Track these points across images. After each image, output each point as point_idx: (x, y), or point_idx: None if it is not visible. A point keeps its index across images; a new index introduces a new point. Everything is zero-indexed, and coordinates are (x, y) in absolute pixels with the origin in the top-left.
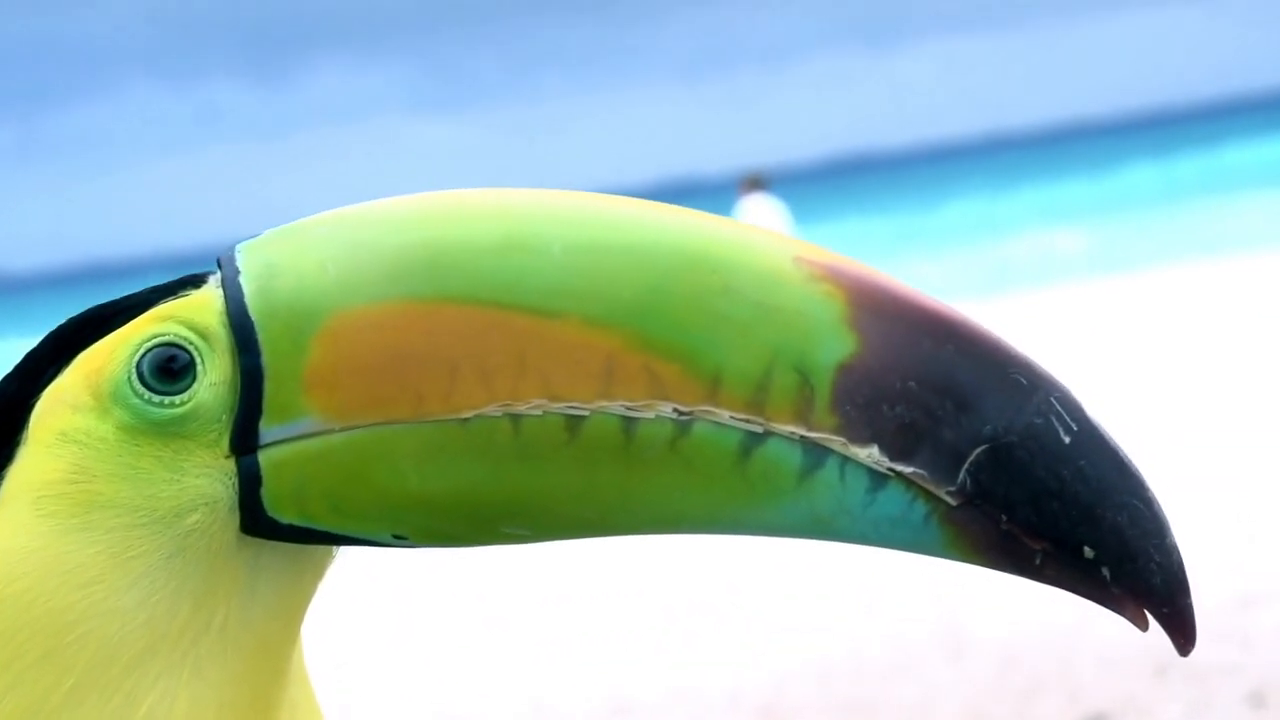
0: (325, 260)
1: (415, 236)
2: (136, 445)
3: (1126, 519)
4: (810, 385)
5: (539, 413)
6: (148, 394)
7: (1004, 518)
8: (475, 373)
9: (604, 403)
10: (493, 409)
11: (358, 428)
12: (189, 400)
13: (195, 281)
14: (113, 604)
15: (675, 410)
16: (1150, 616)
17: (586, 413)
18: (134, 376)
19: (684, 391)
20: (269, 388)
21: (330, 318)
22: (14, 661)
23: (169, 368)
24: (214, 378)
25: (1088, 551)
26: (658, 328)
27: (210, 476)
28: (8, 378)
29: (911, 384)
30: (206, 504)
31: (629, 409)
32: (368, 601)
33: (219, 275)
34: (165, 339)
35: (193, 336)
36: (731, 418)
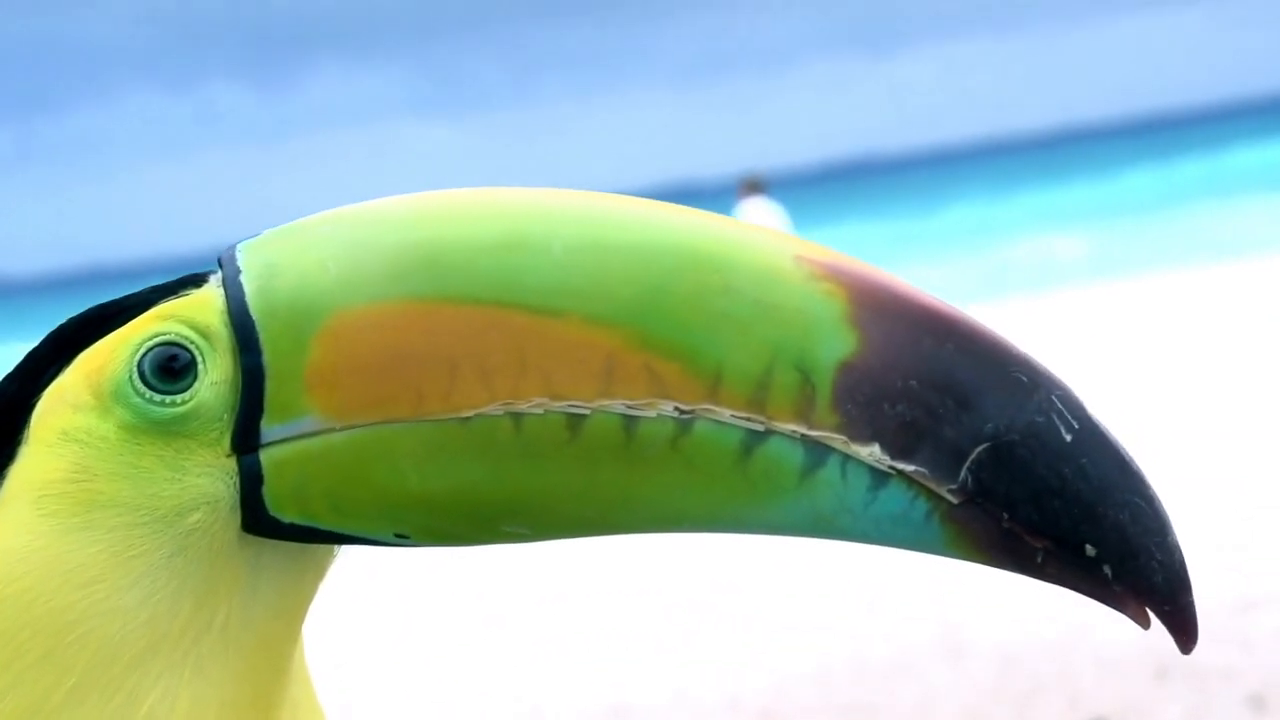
0: (326, 259)
1: (416, 235)
2: (138, 444)
3: (1128, 517)
4: (811, 384)
5: (540, 411)
6: (149, 393)
7: (1005, 516)
8: (476, 372)
9: (605, 401)
10: (493, 408)
11: (359, 427)
12: (190, 399)
13: (196, 281)
14: (114, 603)
15: (676, 409)
16: (1152, 614)
17: (587, 411)
18: (135, 375)
19: (685, 390)
20: (270, 387)
21: (331, 317)
22: (15, 661)
23: (170, 367)
24: (215, 377)
25: (1089, 549)
26: (658, 326)
27: (211, 475)
28: (9, 377)
29: (913, 382)
30: (208, 503)
31: (630, 408)
32: (368, 601)
33: (220, 274)
34: (166, 338)
35: (194, 336)
36: (732, 416)
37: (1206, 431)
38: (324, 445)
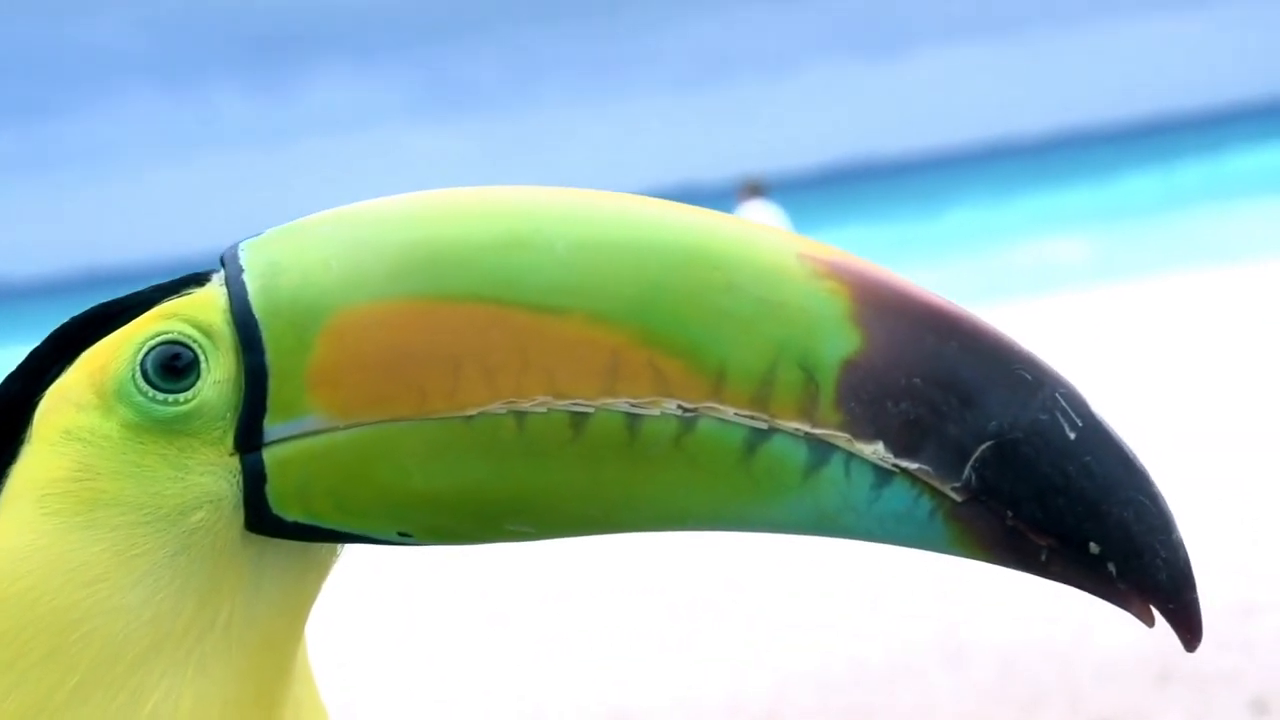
0: (329, 258)
1: (418, 234)
2: (141, 443)
3: (1132, 514)
4: (815, 382)
5: (543, 410)
6: (152, 392)
7: (1009, 514)
8: (479, 370)
9: (608, 400)
10: (497, 406)
11: (362, 425)
12: (193, 398)
13: (199, 280)
14: (117, 602)
15: (680, 407)
16: (1156, 612)
17: (591, 410)
18: (138, 374)
19: (688, 388)
20: (273, 385)
21: (334, 315)
22: (18, 660)
23: (173, 366)
24: (218, 375)
25: (1093, 547)
26: (661, 324)
27: (215, 474)
28: (11, 376)
29: (916, 380)
30: (211, 502)
31: (633, 406)
32: (370, 599)
33: (222, 273)
34: (169, 337)
35: (196, 334)
36: (736, 414)
37: (1207, 435)
38: (327, 444)
